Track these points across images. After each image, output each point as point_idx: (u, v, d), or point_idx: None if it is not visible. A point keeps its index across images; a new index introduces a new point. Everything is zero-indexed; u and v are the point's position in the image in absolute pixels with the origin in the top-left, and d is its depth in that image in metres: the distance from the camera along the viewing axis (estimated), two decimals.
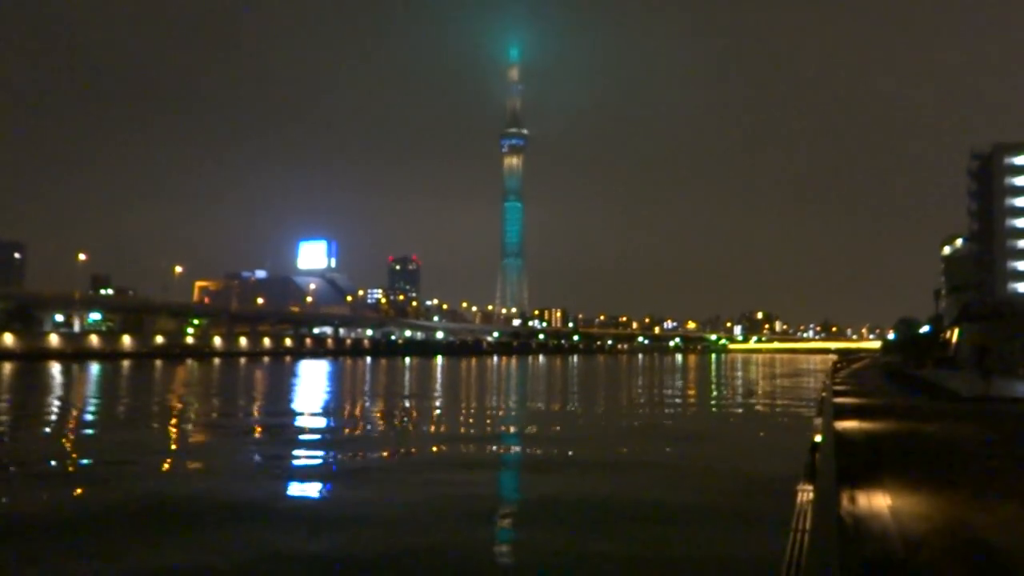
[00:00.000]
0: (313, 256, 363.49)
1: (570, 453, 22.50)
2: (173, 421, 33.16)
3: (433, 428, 30.94)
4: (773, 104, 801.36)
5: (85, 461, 22.13)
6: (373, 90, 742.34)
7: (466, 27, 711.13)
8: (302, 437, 27.62)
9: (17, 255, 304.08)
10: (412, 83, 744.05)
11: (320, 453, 23.13)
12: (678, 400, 49.21)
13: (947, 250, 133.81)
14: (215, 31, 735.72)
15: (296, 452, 23.17)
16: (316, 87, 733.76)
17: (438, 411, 36.94)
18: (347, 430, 29.58)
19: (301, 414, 37.50)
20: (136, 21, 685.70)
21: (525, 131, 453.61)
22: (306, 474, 19.72)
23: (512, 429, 30.24)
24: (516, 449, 24.54)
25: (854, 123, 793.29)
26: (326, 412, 38.85)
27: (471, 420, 35.04)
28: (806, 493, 10.48)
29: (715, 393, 56.17)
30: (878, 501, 7.95)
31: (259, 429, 29.81)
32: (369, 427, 30.78)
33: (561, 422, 31.90)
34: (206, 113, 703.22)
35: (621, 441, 25.79)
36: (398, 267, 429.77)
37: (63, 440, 27.17)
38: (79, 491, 17.71)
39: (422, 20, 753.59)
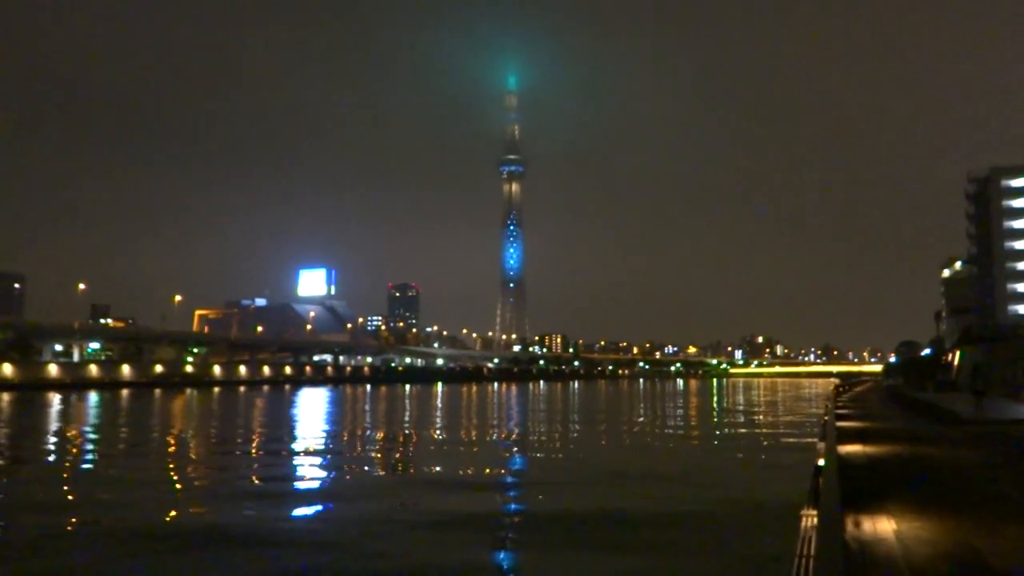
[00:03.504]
0: (313, 284, 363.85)
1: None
2: (155, 464, 32.49)
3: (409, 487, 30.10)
4: (772, 129, 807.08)
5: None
6: (372, 119, 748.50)
7: (463, 56, 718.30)
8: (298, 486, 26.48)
9: (17, 286, 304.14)
10: (411, 111, 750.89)
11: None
12: (680, 430, 49.30)
13: (947, 273, 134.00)
14: (214, 63, 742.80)
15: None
16: (315, 117, 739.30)
17: (426, 457, 35.31)
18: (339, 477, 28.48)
19: (298, 459, 36.34)
20: (135, 53, 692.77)
21: (524, 157, 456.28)
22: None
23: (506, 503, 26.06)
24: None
25: (852, 147, 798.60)
26: (320, 452, 38.39)
27: (460, 456, 34.56)
28: (810, 518, 10.39)
29: (716, 421, 56.10)
30: (883, 525, 7.87)
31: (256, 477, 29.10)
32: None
33: (561, 472, 29.37)
34: (206, 143, 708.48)
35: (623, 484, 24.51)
36: (398, 294, 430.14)
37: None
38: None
39: (421, 50, 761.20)
